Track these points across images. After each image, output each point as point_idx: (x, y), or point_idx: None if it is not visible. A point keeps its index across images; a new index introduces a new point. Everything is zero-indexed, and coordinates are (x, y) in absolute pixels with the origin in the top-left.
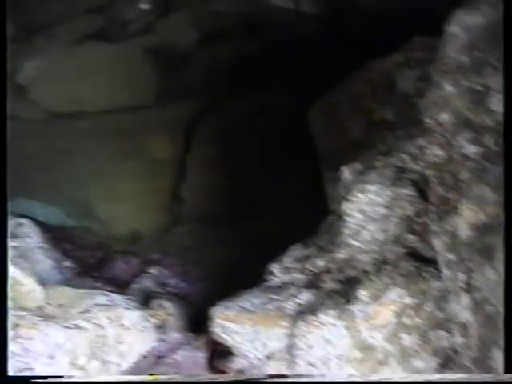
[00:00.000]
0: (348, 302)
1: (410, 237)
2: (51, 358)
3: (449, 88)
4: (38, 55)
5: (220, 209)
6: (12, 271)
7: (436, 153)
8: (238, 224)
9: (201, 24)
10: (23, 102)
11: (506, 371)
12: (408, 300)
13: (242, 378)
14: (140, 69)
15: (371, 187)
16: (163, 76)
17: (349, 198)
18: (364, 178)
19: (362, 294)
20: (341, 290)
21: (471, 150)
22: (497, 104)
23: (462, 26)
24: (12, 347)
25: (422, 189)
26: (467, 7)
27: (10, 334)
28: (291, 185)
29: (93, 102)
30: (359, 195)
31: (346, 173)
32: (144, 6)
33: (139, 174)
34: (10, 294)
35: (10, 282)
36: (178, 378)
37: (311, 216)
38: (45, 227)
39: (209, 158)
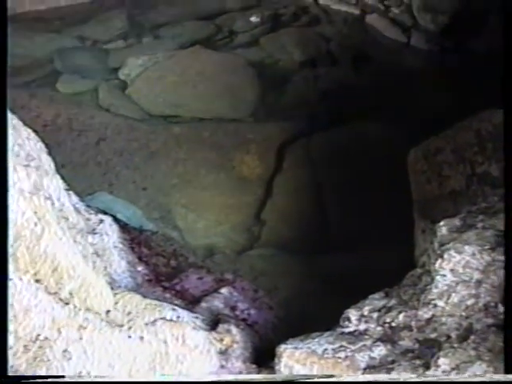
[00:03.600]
0: (425, 366)
1: (503, 309)
2: (110, 365)
3: None
4: (143, 54)
5: (301, 236)
6: (84, 269)
7: None
8: (318, 255)
9: (306, 45)
10: (122, 98)
11: (506, 371)
12: (493, 378)
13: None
14: (241, 81)
15: (469, 248)
16: (263, 92)
17: (444, 256)
18: (462, 236)
19: (443, 361)
20: (418, 352)
21: None
22: None
23: None
24: (73, 349)
25: None
26: None
27: (74, 335)
28: (379, 224)
29: (189, 108)
30: (455, 255)
31: (444, 228)
32: (254, 19)
33: (224, 188)
34: (79, 293)
35: (79, 280)
36: (181, 378)
37: (396, 262)
38: (124, 227)
39: (298, 182)
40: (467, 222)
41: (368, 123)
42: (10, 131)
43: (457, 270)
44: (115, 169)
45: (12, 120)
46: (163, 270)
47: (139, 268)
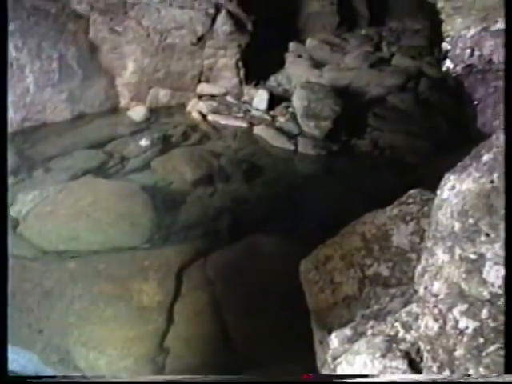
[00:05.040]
0: None
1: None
2: None
3: (442, 256)
4: (34, 189)
5: (206, 361)
6: None
7: (429, 324)
8: (224, 378)
9: (198, 163)
10: (14, 237)
11: (506, 371)
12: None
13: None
14: (135, 207)
15: (360, 359)
16: (157, 216)
17: (337, 370)
18: (353, 347)
19: None
20: None
21: (466, 324)
22: (492, 274)
23: (454, 192)
24: None
25: (414, 361)
26: (459, 173)
27: None
28: (282, 339)
29: (84, 241)
30: (347, 368)
31: (336, 341)
32: (144, 143)
33: (124, 320)
34: None
35: None
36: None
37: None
38: (17, 379)
39: (198, 305)
40: (358, 331)
41: (262, 235)
42: None
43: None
44: (10, 314)
45: None
46: None
47: None
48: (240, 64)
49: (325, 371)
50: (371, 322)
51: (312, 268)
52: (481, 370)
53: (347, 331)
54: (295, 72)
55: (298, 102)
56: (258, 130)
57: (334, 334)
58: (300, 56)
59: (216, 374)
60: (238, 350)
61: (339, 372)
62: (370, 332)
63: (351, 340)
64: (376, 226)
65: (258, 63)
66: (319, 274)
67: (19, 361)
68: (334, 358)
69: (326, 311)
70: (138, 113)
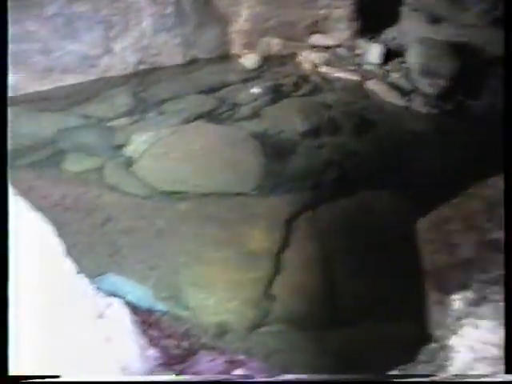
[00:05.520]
0: None
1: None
2: None
3: None
4: (147, 130)
5: (311, 311)
6: (93, 359)
7: None
8: (329, 331)
9: (308, 114)
10: (128, 175)
11: (506, 371)
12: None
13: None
14: (245, 154)
15: (484, 323)
16: (267, 164)
17: (459, 332)
18: (477, 310)
19: None
20: None
21: None
22: None
23: None
24: None
25: None
26: None
27: None
28: (392, 297)
29: (194, 184)
30: (470, 330)
31: (458, 302)
32: (256, 91)
33: (233, 264)
34: None
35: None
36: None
37: (410, 336)
38: (134, 309)
39: (305, 256)
40: (481, 295)
41: (373, 191)
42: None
43: (474, 347)
44: (122, 249)
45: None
46: (175, 352)
47: (150, 352)
48: (354, 16)
49: (443, 332)
50: (494, 288)
51: (430, 228)
52: None
53: (470, 294)
54: (411, 27)
55: (413, 58)
56: (370, 84)
57: (456, 296)
58: (416, 10)
59: (319, 325)
60: (343, 303)
61: (462, 334)
62: (493, 297)
63: (475, 303)
64: (500, 190)
65: (373, 16)
66: (438, 233)
67: (135, 293)
68: (456, 319)
69: (443, 272)
70: (250, 60)
